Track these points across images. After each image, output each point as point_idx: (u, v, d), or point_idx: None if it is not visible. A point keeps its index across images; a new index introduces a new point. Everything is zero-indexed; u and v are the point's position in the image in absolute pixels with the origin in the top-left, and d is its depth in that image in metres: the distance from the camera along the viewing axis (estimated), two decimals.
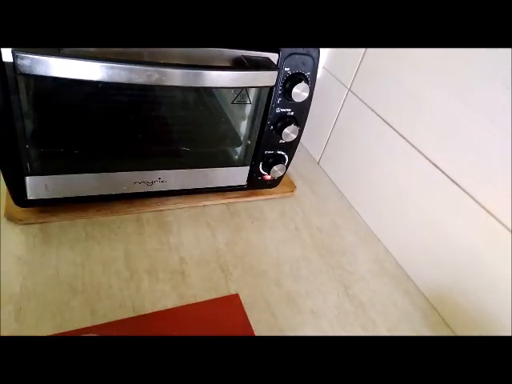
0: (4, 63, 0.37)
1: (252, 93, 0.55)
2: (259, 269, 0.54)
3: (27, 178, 0.47)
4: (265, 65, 0.47)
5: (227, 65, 0.46)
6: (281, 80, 0.51)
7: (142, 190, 0.56)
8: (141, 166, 0.54)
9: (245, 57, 0.46)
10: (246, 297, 0.50)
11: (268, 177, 0.62)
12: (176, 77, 0.41)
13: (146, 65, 0.39)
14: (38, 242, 0.50)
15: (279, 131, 0.55)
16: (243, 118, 0.58)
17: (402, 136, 0.58)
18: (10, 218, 0.51)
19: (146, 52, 0.41)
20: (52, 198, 0.50)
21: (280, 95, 0.52)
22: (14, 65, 0.35)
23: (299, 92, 0.51)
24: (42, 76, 0.36)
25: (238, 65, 0.47)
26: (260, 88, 0.52)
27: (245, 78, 0.45)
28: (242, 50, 0.46)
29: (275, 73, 0.47)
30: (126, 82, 0.38)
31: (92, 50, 0.38)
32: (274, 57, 0.48)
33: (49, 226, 0.52)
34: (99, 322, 0.43)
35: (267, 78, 0.47)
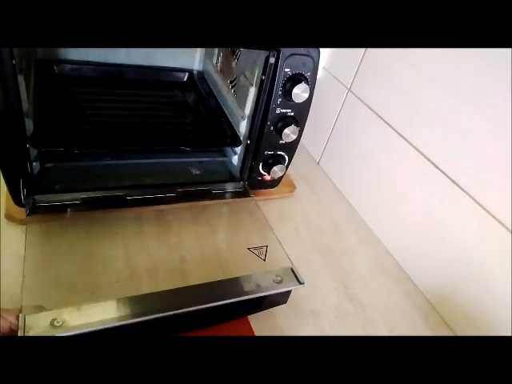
0: (4, 63, 0.37)
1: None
2: None
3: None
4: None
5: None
6: (281, 81, 0.51)
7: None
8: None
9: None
10: None
11: (268, 177, 0.62)
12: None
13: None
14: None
15: (279, 132, 0.55)
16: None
17: (401, 136, 0.58)
18: (10, 218, 0.51)
19: None
20: None
21: (280, 96, 0.52)
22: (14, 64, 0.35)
23: (299, 93, 0.51)
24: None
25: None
26: (260, 88, 0.52)
27: None
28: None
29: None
30: None
31: None
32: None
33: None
34: None
35: None
